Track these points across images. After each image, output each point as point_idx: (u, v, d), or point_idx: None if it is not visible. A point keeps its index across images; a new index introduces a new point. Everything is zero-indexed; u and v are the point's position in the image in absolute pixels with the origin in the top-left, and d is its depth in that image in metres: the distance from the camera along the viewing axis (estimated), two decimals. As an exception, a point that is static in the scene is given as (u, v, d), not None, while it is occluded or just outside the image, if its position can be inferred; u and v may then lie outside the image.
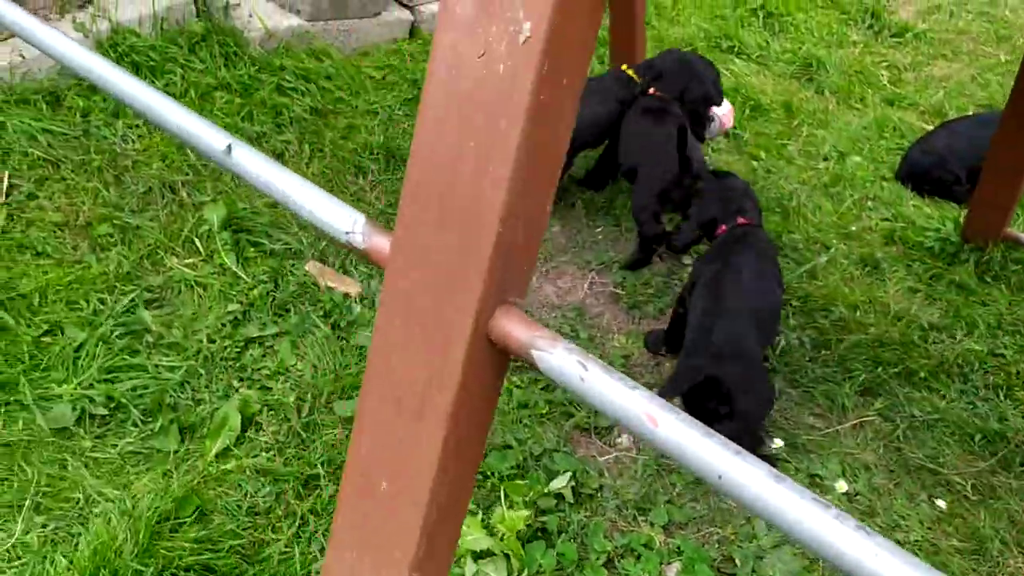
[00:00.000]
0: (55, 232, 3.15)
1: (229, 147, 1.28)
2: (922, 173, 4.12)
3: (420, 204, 1.03)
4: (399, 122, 4.10)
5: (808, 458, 2.79)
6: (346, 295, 3.20)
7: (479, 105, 0.96)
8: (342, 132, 3.95)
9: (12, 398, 2.57)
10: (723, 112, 4.20)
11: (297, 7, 4.18)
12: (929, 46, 5.68)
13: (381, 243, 1.13)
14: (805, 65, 5.15)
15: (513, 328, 1.01)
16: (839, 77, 5.08)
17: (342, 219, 1.17)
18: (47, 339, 2.77)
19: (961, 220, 3.75)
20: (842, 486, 2.64)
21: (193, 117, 1.33)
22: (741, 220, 3.02)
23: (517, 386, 2.88)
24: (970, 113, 4.73)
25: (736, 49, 5.24)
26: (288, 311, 3.06)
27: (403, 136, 3.99)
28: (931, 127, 4.57)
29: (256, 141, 3.77)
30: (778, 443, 2.79)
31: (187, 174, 3.55)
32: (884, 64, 5.38)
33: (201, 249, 3.22)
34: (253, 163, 1.26)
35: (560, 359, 0.98)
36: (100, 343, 2.77)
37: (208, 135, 1.30)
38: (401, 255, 1.07)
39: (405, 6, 4.68)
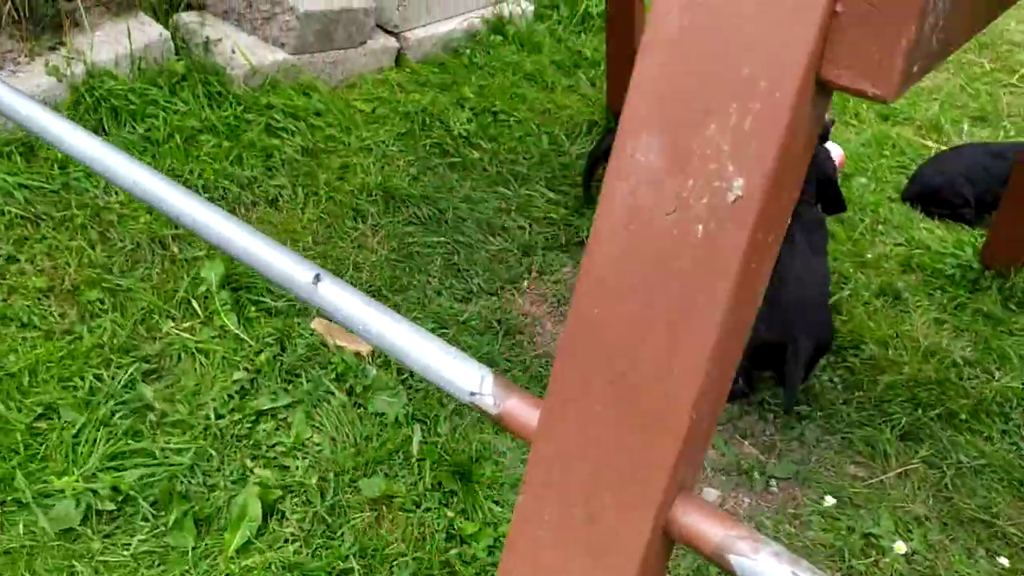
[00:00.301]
0: (40, 299, 2.91)
1: (317, 277, 1.09)
2: (932, 193, 4.04)
3: (584, 373, 0.87)
4: (394, 159, 3.91)
5: (858, 514, 2.67)
6: (358, 355, 3.01)
7: (670, 273, 0.79)
8: (337, 173, 3.75)
9: (9, 496, 2.34)
10: (837, 154, 4.14)
11: (281, 40, 3.96)
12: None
13: (520, 409, 0.96)
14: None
15: (701, 524, 0.85)
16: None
17: (465, 376, 1.00)
18: (42, 424, 2.54)
19: (978, 245, 3.67)
20: (901, 547, 2.53)
21: (262, 241, 1.15)
22: None
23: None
24: (973, 141, 4.67)
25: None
26: (298, 376, 2.86)
27: (400, 175, 3.80)
28: (930, 143, 4.50)
29: (248, 187, 3.56)
30: (829, 500, 2.66)
31: (177, 227, 3.33)
32: (874, 76, 5.30)
33: (199, 310, 3.00)
34: (345, 299, 1.08)
35: (766, 566, 0.82)
36: (100, 426, 2.56)
37: (283, 263, 1.12)
38: (556, 431, 0.90)
39: (391, 33, 4.48)
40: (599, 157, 3.76)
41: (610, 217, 0.83)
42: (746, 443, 2.93)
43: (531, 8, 5.13)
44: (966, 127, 4.85)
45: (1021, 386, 3.09)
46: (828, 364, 3.16)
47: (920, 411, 2.97)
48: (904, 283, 3.54)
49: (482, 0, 4.87)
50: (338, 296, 1.09)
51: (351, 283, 3.27)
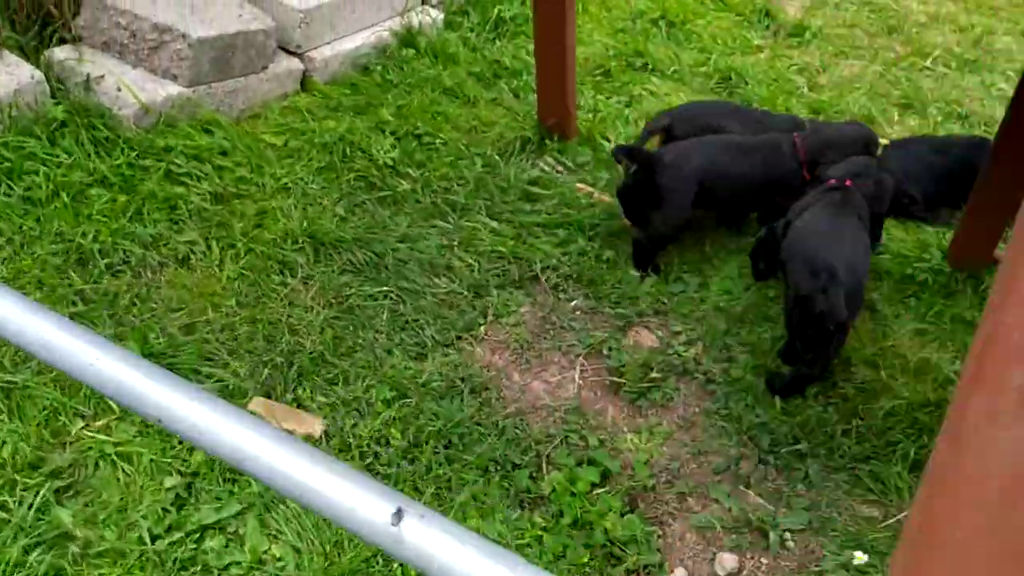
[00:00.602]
0: (-87, 415, 2.40)
1: (399, 512, 0.73)
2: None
3: None
4: (317, 198, 3.49)
5: (884, 565, 2.46)
6: (308, 436, 2.61)
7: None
8: (254, 220, 3.31)
9: None
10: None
11: (173, 72, 3.47)
12: (828, 44, 5.53)
13: None
14: (723, 78, 4.86)
15: None
16: (759, 87, 4.82)
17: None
18: (-66, 582, 2.06)
19: (943, 245, 3.54)
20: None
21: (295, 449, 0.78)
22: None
23: None
24: (909, 136, 4.57)
25: (649, 66, 4.89)
26: (243, 474, 2.44)
27: (326, 216, 3.39)
28: (868, 136, 4.37)
29: (152, 246, 3.08)
30: (860, 557, 2.43)
31: (74, 302, 2.84)
32: (795, 68, 5.16)
33: (113, 404, 2.54)
34: (439, 541, 0.73)
35: None
36: (15, 571, 2.09)
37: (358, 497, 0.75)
38: None
39: (294, 54, 4.04)
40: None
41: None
42: (751, 493, 2.68)
43: (440, 16, 4.76)
44: (896, 116, 4.76)
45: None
46: (821, 391, 2.94)
47: (924, 437, 2.78)
48: (877, 294, 3.37)
49: (388, 11, 4.47)
50: (430, 538, 0.73)
51: (288, 349, 2.86)
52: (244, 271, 3.11)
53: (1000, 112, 4.89)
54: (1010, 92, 5.13)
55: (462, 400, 2.83)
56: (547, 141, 4.02)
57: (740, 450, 2.80)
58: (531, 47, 4.84)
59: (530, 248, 3.45)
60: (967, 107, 4.90)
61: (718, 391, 2.97)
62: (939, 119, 4.78)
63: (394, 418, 2.69)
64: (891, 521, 2.59)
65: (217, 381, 2.69)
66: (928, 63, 5.39)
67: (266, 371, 2.78)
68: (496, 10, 4.94)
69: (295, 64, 4.03)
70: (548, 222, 3.57)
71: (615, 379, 2.99)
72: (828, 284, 2.70)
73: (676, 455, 2.78)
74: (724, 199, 3.51)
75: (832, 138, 3.54)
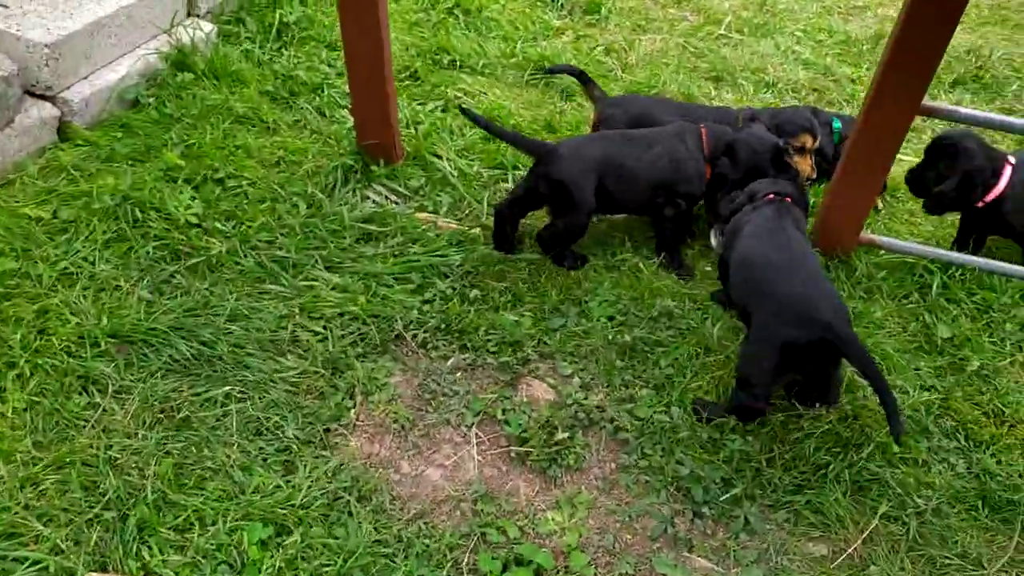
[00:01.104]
0: None
1: None
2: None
3: None
4: (112, 282, 2.81)
5: (854, 611, 2.26)
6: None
7: None
8: (35, 325, 2.60)
9: None
10: None
11: None
12: (625, 19, 5.35)
13: None
14: (538, 67, 4.53)
15: None
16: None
17: None
18: None
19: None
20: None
21: None
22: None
23: None
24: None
25: (458, 62, 4.47)
26: None
27: (128, 305, 2.73)
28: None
29: (-103, 389, 2.31)
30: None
31: None
32: (601, 49, 4.93)
33: None
34: None
35: None
36: None
37: None
38: None
39: (44, 98, 3.25)
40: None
41: None
42: (695, 556, 2.40)
43: (213, 29, 4.06)
44: (712, 90, 4.65)
45: (911, 387, 2.87)
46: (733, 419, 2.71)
47: (851, 452, 2.62)
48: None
49: (152, 29, 3.74)
50: None
51: (117, 496, 2.22)
52: (35, 398, 2.42)
53: (802, 75, 4.95)
54: (805, 54, 5.21)
55: (352, 516, 2.33)
56: (372, 167, 3.52)
57: (672, 506, 2.51)
58: (325, 54, 4.30)
59: (385, 302, 2.97)
60: (772, 74, 4.87)
61: (630, 439, 2.67)
62: (751, 89, 4.72)
63: (278, 567, 2.15)
64: (843, 559, 2.41)
65: (33, 566, 2.04)
66: (723, 30, 5.34)
67: (95, 534, 2.14)
68: (276, 15, 4.30)
69: (48, 110, 3.24)
70: (398, 267, 3.10)
71: (518, 449, 2.60)
72: (827, 334, 2.48)
73: (605, 526, 2.45)
74: (623, 196, 3.22)
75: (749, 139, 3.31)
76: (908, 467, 2.62)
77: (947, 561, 2.40)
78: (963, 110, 2.81)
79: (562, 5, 5.37)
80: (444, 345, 2.89)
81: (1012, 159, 3.23)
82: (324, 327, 2.85)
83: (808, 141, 3.52)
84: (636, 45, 5.01)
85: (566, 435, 2.63)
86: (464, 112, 3.27)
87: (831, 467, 2.58)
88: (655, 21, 5.40)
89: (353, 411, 2.65)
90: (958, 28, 2.64)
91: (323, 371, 2.73)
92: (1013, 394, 2.90)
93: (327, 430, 2.58)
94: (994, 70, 5.04)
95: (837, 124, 3.83)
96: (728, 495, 2.52)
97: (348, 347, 2.81)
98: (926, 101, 2.81)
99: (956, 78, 4.94)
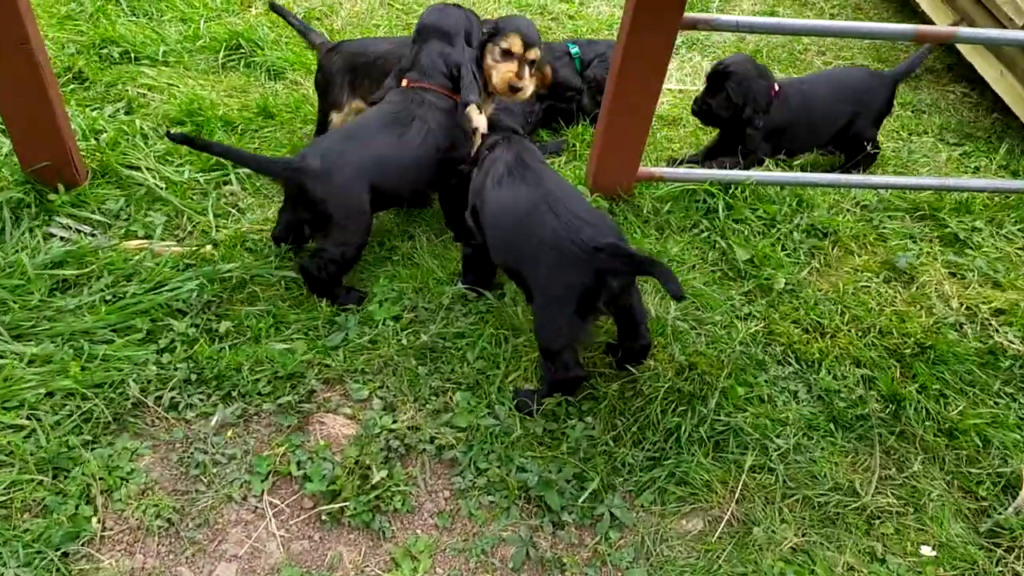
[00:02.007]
0: None
1: None
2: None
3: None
4: None
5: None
6: None
7: None
8: None
9: None
10: None
11: None
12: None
13: None
14: (232, 47, 3.85)
15: None
16: (276, 49, 3.92)
17: None
18: None
19: (580, 175, 3.13)
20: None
21: None
22: None
23: None
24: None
25: (132, 55, 3.69)
26: None
27: None
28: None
29: None
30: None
31: None
32: (299, 16, 4.34)
33: None
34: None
35: None
36: None
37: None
38: None
39: None
40: None
41: None
42: None
43: None
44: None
45: (734, 320, 2.67)
46: (561, 399, 2.35)
47: (697, 406, 2.34)
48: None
49: None
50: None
51: None
52: None
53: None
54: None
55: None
56: (50, 196, 2.74)
57: (527, 523, 2.11)
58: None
59: (107, 365, 2.28)
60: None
61: (458, 456, 2.22)
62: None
63: None
64: (721, 528, 2.13)
65: None
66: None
67: None
68: None
69: None
70: (114, 315, 2.40)
71: (328, 507, 2.07)
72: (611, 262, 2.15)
73: (458, 570, 2.00)
74: (401, 189, 2.69)
75: None
76: (756, 407, 2.40)
77: (824, 498, 2.20)
78: (723, 18, 2.60)
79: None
80: (201, 400, 2.27)
81: (776, 85, 3.29)
82: (28, 417, 2.12)
83: (516, 44, 2.80)
84: (338, 8, 4.47)
85: (383, 473, 2.13)
86: (171, 137, 2.46)
87: (682, 429, 2.30)
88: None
89: (95, 520, 1.97)
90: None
91: (40, 477, 2.01)
92: (823, 303, 2.79)
93: (64, 555, 1.89)
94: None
95: (575, 50, 3.57)
96: (585, 493, 2.15)
97: (69, 436, 2.10)
98: (687, 13, 2.56)
99: None
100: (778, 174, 3.17)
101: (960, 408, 2.47)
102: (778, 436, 2.32)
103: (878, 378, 2.53)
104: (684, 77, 4.20)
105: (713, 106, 3.24)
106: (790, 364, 2.58)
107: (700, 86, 3.47)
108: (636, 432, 2.30)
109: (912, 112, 4.17)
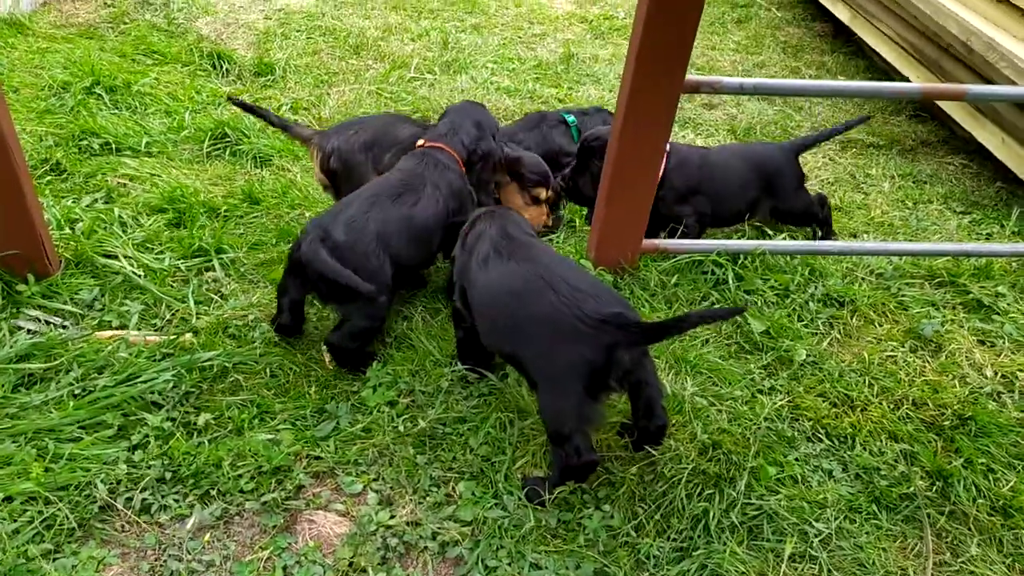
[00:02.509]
0: None
1: None
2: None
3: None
4: None
5: None
6: None
7: None
8: None
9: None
10: None
11: None
12: (306, 75, 4.71)
13: None
14: (217, 136, 3.75)
15: None
16: (264, 137, 3.83)
17: None
18: None
19: (580, 249, 2.98)
20: None
21: None
22: None
23: None
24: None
25: (114, 146, 3.58)
26: None
27: None
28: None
29: None
30: None
31: None
32: (287, 107, 4.27)
33: None
34: None
35: None
36: None
37: None
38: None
39: None
40: None
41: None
42: None
43: None
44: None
45: (756, 396, 2.47)
46: (579, 489, 2.13)
47: (726, 489, 2.13)
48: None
49: None
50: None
51: None
52: None
53: (509, 102, 4.61)
54: (505, 82, 4.90)
55: None
56: (19, 286, 2.57)
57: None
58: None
59: (73, 465, 2.06)
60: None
61: (463, 553, 1.99)
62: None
63: None
64: (766, 624, 1.89)
65: None
66: (413, 73, 4.91)
67: None
68: None
69: None
70: (83, 411, 2.19)
71: (323, 616, 1.83)
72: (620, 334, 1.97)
73: None
74: (415, 258, 2.60)
75: None
76: (789, 487, 2.18)
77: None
78: (728, 80, 2.50)
79: (227, 71, 4.65)
80: (176, 501, 2.04)
81: (667, 146, 3.05)
82: (-16, 524, 1.89)
83: (543, 194, 3.12)
84: (325, 99, 4.41)
85: (382, 574, 1.89)
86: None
87: (710, 515, 2.07)
88: (338, 74, 4.84)
89: (53, 643, 1.72)
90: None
91: (-7, 594, 1.78)
92: (848, 375, 2.61)
93: None
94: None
95: (571, 119, 3.50)
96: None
97: (28, 545, 1.87)
98: (689, 75, 2.46)
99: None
100: (789, 243, 3.04)
101: (1012, 484, 2.26)
102: (817, 520, 2.10)
103: (919, 453, 2.32)
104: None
105: (579, 183, 3.10)
106: (820, 440, 2.37)
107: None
108: (660, 520, 2.07)
109: (914, 183, 4.08)
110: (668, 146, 3.01)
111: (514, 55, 5.32)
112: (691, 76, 2.46)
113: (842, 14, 5.56)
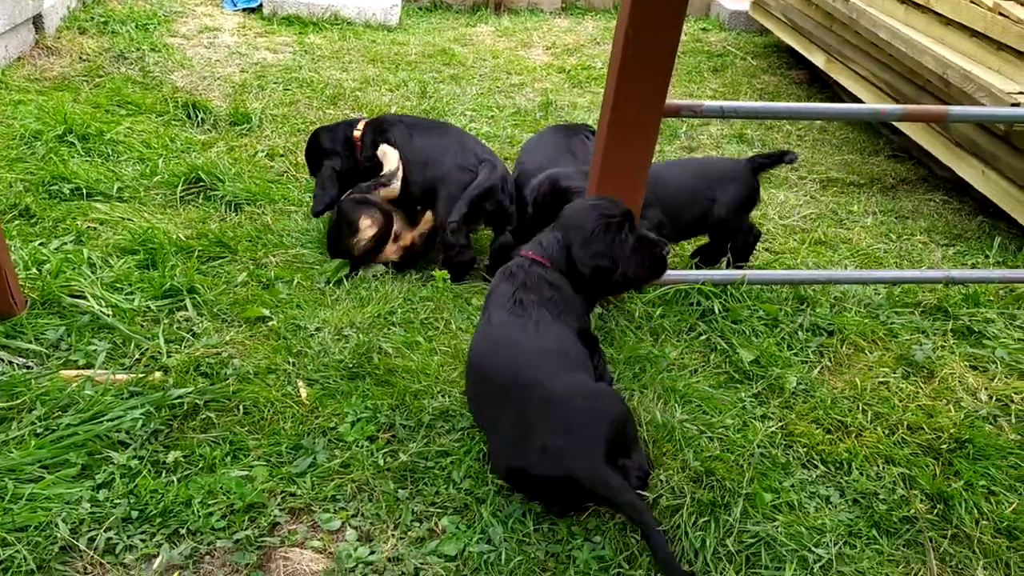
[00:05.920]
0: None
1: None
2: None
3: None
4: None
5: None
6: None
7: None
8: None
9: None
10: None
11: None
12: (282, 124, 4.70)
13: None
14: (192, 180, 3.69)
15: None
16: (239, 181, 3.77)
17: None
18: None
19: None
20: None
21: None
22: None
23: None
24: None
25: (85, 191, 3.51)
26: None
27: None
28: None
29: None
30: None
31: None
32: (263, 154, 4.23)
33: None
34: None
35: None
36: None
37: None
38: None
39: None
40: None
41: None
42: None
43: None
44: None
45: (748, 423, 2.40)
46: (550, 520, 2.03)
47: (721, 516, 2.04)
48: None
49: None
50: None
51: None
52: None
53: (491, 146, 4.59)
54: (484, 128, 4.90)
55: None
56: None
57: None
58: None
59: (33, 505, 1.94)
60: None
61: (448, 591, 1.88)
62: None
63: None
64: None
65: None
66: (392, 121, 4.89)
67: None
68: None
69: None
70: (45, 449, 2.08)
71: (297, 659, 1.70)
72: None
73: None
74: None
75: None
76: (786, 514, 2.09)
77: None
78: (708, 104, 2.48)
79: (202, 120, 4.62)
80: (143, 541, 1.92)
81: None
82: (-68, 570, 1.77)
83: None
84: (302, 146, 4.36)
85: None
86: None
87: (707, 543, 1.98)
88: (316, 123, 4.81)
89: None
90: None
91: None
92: (841, 402, 2.54)
93: None
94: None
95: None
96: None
97: (-15, 594, 1.75)
98: (669, 100, 2.44)
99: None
100: (776, 272, 2.99)
101: (1014, 505, 2.18)
102: (817, 545, 2.01)
103: (917, 476, 2.25)
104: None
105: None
106: (816, 467, 2.29)
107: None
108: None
109: (896, 218, 4.07)
110: None
111: (493, 103, 5.33)
112: (671, 101, 2.44)
113: (817, 59, 5.63)
